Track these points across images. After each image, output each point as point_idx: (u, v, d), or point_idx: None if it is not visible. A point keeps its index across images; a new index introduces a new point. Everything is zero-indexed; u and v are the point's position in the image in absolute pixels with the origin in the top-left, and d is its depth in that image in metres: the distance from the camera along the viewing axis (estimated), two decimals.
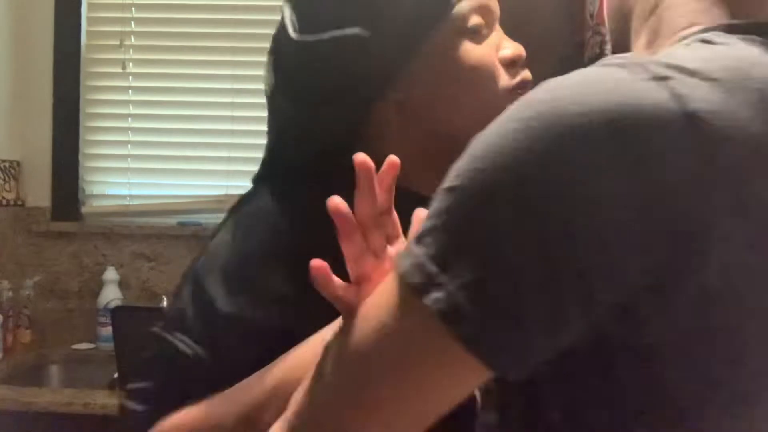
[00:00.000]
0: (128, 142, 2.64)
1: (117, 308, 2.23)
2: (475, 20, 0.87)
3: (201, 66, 2.61)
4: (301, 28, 0.87)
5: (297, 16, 0.88)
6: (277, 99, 0.92)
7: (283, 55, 0.91)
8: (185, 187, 2.62)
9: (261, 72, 0.94)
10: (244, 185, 0.95)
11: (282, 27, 0.90)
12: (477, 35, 0.88)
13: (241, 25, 2.59)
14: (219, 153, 2.59)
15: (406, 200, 0.71)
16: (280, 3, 0.96)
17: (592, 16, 2.01)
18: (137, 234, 2.57)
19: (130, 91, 2.64)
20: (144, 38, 2.64)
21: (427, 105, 0.87)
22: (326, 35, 0.85)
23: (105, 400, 1.93)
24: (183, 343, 0.84)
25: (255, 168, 0.95)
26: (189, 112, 2.62)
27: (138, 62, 2.64)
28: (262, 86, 0.95)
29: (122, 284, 2.53)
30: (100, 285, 2.51)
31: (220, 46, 2.60)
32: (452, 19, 0.86)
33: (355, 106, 0.87)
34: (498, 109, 0.59)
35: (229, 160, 2.56)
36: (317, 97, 0.88)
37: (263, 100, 0.94)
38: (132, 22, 2.64)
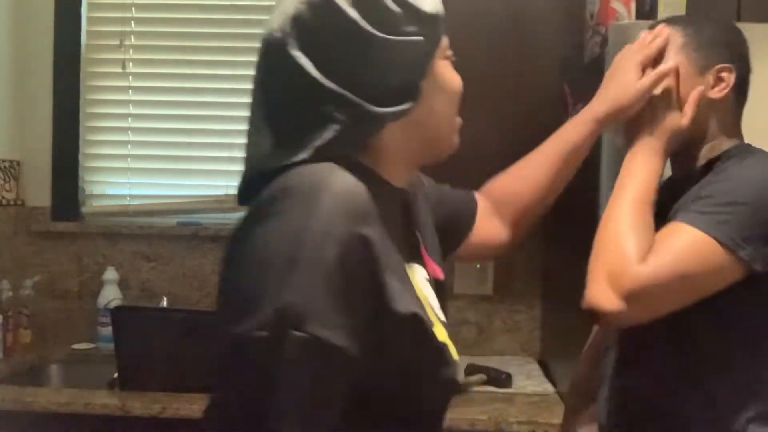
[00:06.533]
0: (128, 142, 2.64)
1: (117, 308, 2.22)
2: (449, 51, 1.01)
3: (201, 66, 2.61)
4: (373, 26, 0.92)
5: (363, 14, 0.92)
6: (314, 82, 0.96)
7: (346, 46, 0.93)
8: (185, 187, 2.62)
9: None
10: None
11: (339, 19, 0.92)
12: (449, 63, 1.02)
13: (241, 25, 2.59)
14: (219, 153, 2.59)
15: (391, 192, 0.98)
16: None
17: (592, 16, 2.00)
18: (137, 234, 2.57)
19: (130, 91, 2.64)
20: (144, 38, 2.64)
21: (425, 115, 0.98)
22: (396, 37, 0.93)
23: (105, 400, 1.93)
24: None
25: None
26: (189, 112, 2.62)
27: (138, 62, 2.64)
28: None
29: (122, 284, 2.53)
30: (100, 285, 2.51)
31: (220, 46, 2.60)
32: (441, 46, 0.99)
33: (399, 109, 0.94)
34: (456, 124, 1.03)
35: (229, 160, 2.56)
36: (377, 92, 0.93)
37: None
38: (132, 22, 2.64)
